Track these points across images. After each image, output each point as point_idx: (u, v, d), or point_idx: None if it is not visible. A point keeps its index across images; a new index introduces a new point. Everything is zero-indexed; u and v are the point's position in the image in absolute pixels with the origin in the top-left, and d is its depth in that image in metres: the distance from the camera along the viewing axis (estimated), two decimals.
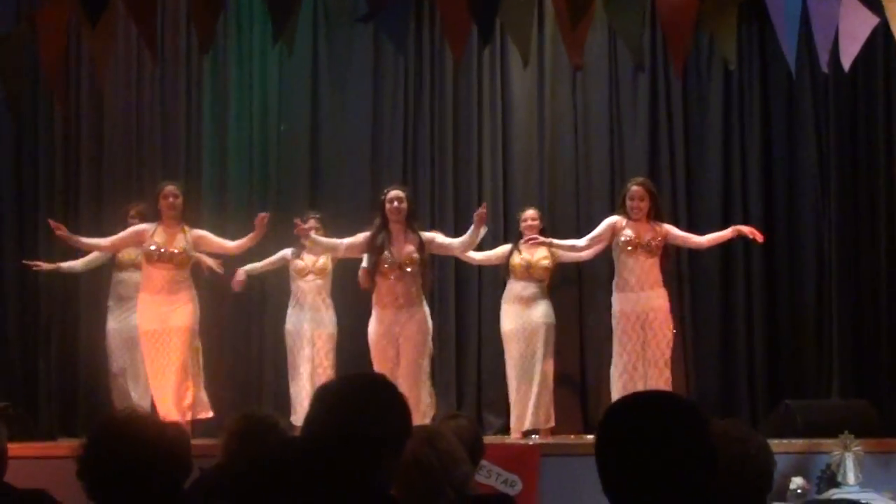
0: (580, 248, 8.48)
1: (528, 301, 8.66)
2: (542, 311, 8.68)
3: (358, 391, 2.69)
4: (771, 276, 9.64)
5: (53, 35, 4.98)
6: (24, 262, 8.82)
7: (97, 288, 9.27)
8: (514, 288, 8.73)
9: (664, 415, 2.31)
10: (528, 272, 8.69)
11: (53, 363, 9.47)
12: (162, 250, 8.10)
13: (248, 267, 8.86)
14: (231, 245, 8.35)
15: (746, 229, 8.39)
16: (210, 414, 8.29)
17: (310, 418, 2.67)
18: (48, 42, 4.97)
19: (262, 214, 8.21)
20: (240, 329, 9.67)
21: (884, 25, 7.28)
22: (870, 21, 6.84)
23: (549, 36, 9.61)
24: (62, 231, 8.10)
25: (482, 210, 7.94)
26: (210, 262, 8.73)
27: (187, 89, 9.85)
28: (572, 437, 8.88)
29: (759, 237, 8.39)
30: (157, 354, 8.11)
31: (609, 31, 9.30)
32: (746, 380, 9.55)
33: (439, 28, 9.27)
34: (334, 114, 9.92)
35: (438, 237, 8.15)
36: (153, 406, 8.18)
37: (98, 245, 8.38)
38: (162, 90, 9.84)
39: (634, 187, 8.33)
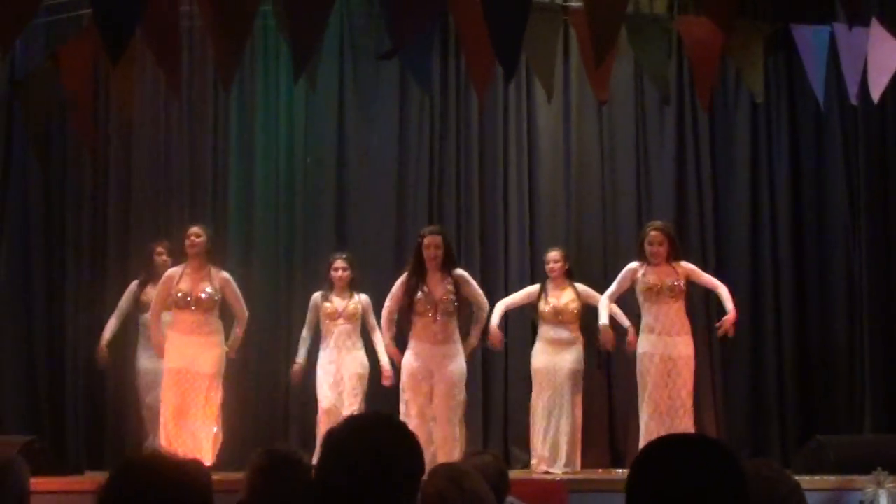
0: (606, 304, 8.35)
1: (560, 344, 8.58)
2: (572, 357, 8.57)
3: (366, 433, 2.65)
4: (801, 311, 9.57)
5: (78, 72, 5.00)
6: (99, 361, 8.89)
7: (124, 331, 9.26)
8: (547, 331, 8.65)
9: (700, 458, 2.28)
10: (558, 318, 8.60)
11: (80, 397, 9.47)
12: (188, 298, 8.10)
13: (301, 356, 8.74)
14: (240, 314, 8.36)
15: (730, 320, 8.22)
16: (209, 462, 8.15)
17: (320, 463, 2.64)
18: (72, 79, 4.99)
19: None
20: (268, 365, 9.63)
21: None
22: None
23: (575, 69, 9.59)
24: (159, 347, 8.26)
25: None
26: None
27: (214, 125, 9.89)
28: (600, 471, 8.82)
29: (723, 331, 8.29)
30: (177, 393, 8.09)
31: (635, 65, 9.26)
32: (777, 416, 9.47)
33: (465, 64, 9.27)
34: (360, 149, 9.93)
35: (471, 283, 8.03)
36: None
37: (160, 322, 8.31)
38: (190, 126, 9.89)
39: (653, 232, 8.20)
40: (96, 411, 9.58)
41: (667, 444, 2.37)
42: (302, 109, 9.88)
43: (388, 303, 7.99)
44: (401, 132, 9.92)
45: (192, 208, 9.65)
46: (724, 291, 8.34)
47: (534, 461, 8.61)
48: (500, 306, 8.66)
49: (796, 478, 3.30)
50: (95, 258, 9.45)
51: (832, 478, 7.64)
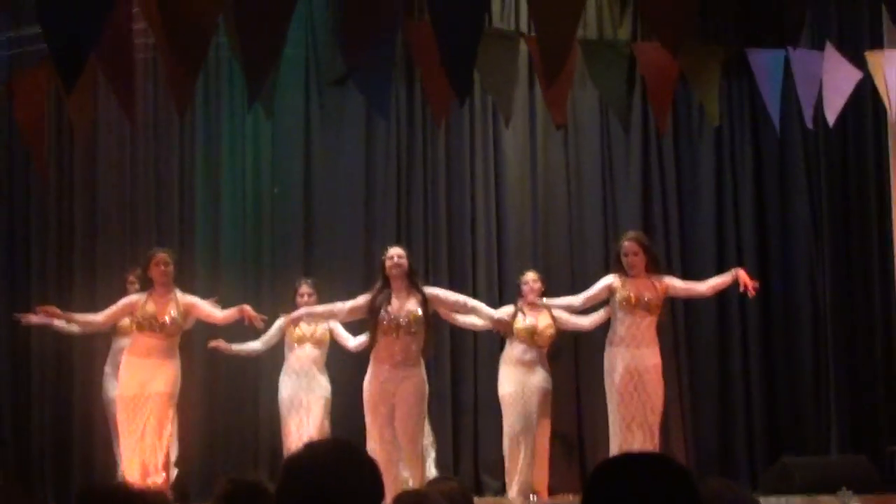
0: (576, 306, 8.34)
1: (528, 365, 8.55)
2: (540, 377, 8.56)
3: (324, 458, 2.64)
4: (767, 332, 9.63)
5: (31, 101, 5.02)
6: (15, 315, 8.58)
7: (91, 352, 9.24)
8: (514, 351, 8.61)
9: (653, 477, 2.27)
10: (532, 338, 8.56)
11: (47, 430, 9.41)
12: (153, 321, 8.01)
13: (248, 348, 8.77)
14: (219, 315, 8.22)
15: (744, 275, 8.15)
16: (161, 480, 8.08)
17: (280, 489, 2.63)
18: (25, 108, 5.00)
19: (248, 313, 8.04)
20: (234, 393, 9.62)
21: (869, 78, 7.35)
22: (853, 76, 6.91)
23: (539, 94, 9.64)
24: (54, 312, 8.09)
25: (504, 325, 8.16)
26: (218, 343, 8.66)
27: (180, 152, 9.90)
28: (570, 497, 8.81)
29: (752, 290, 8.14)
30: (131, 419, 7.96)
31: None
32: (745, 437, 9.50)
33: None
34: (327, 175, 9.95)
35: (442, 293, 7.97)
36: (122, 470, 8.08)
37: (93, 322, 8.27)
38: (156, 152, 9.89)
39: (626, 242, 8.15)
40: (63, 441, 9.52)
41: (620, 463, 2.38)
42: (268, 138, 9.89)
43: (344, 303, 7.91)
44: (367, 160, 9.94)
45: (158, 234, 9.64)
46: (709, 282, 8.29)
47: (510, 486, 8.54)
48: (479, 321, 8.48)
49: (762, 499, 3.29)
50: (62, 286, 9.42)
51: (798, 498, 7.70)
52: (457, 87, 4.71)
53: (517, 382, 8.54)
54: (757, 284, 8.15)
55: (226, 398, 9.59)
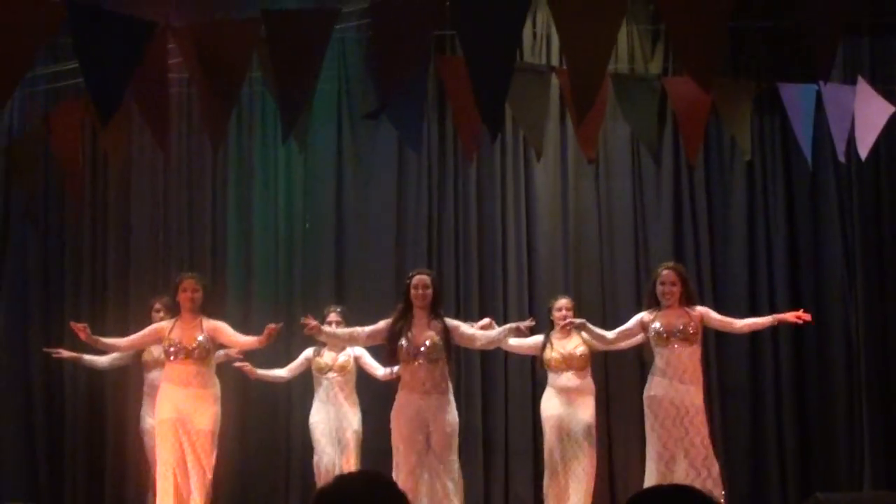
0: (609, 340, 8.21)
1: (570, 393, 8.45)
2: (586, 411, 8.43)
3: (355, 491, 2.66)
4: (799, 368, 9.57)
5: (67, 134, 5.08)
6: (46, 349, 8.71)
7: (124, 387, 9.28)
8: (556, 379, 8.51)
9: None
10: (567, 363, 8.47)
11: (79, 458, 9.46)
12: (180, 346, 7.93)
13: (273, 374, 8.85)
14: (243, 340, 8.15)
15: (790, 316, 8.09)
16: None
17: None
18: (62, 141, 5.07)
19: (272, 327, 7.89)
20: (267, 423, 9.66)
21: None
22: (885, 109, 6.88)
23: (571, 128, 9.66)
24: (84, 332, 8.12)
25: (529, 323, 7.87)
26: (233, 354, 8.62)
27: (213, 186, 9.98)
28: None
29: (805, 318, 8.05)
30: (171, 445, 7.84)
31: None
32: (778, 473, 9.44)
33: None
34: (358, 208, 10.00)
35: (462, 326, 7.81)
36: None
37: (117, 346, 8.24)
38: (188, 186, 9.98)
39: (665, 271, 8.01)
40: (95, 471, 9.58)
41: (653, 495, 2.38)
42: (300, 172, 9.96)
43: (364, 328, 7.82)
44: (399, 194, 9.98)
45: (191, 267, 9.67)
46: (746, 321, 8.17)
47: None
48: (513, 342, 8.47)
49: None
50: (95, 315, 9.48)
51: None
52: (488, 122, 4.73)
53: (559, 409, 8.43)
54: (804, 314, 8.09)
55: (257, 427, 9.62)
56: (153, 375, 8.67)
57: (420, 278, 7.68)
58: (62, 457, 9.60)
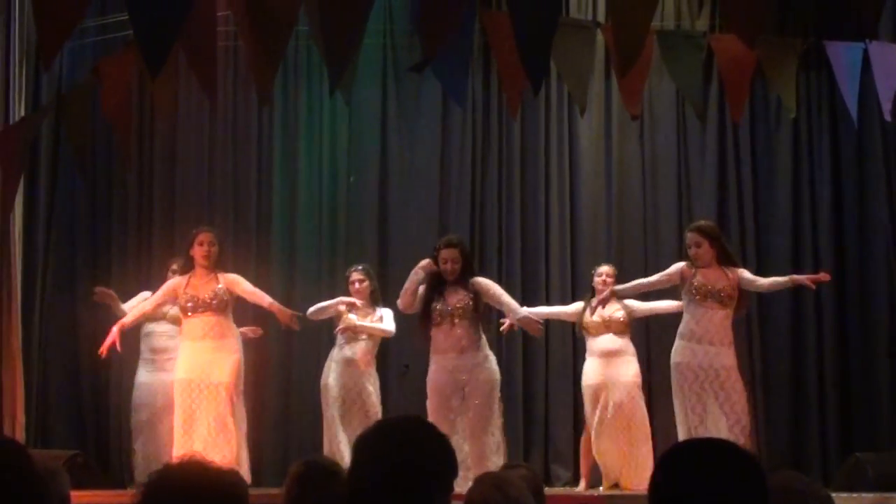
0: (645, 284, 8.07)
1: (611, 355, 8.37)
2: (628, 371, 8.37)
3: (396, 434, 2.66)
4: (842, 328, 9.52)
5: (117, 86, 5.14)
6: (97, 288, 8.44)
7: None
8: (596, 343, 8.42)
9: (720, 463, 2.30)
10: (606, 326, 8.40)
11: (123, 411, 9.55)
12: (197, 299, 7.67)
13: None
14: (266, 301, 7.81)
15: (805, 279, 8.04)
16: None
17: (353, 468, 2.64)
18: (112, 93, 5.13)
19: (293, 318, 7.71)
20: (309, 380, 9.67)
21: None
22: None
23: (615, 85, 9.61)
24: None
25: (539, 328, 7.83)
26: (247, 330, 8.40)
27: (258, 143, 10.03)
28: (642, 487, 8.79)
29: (822, 279, 8.02)
30: (190, 406, 7.58)
31: None
32: (818, 433, 9.41)
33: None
34: (402, 164, 10.04)
35: (493, 288, 7.72)
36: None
37: (144, 314, 8.06)
38: (234, 143, 10.04)
39: (688, 234, 7.92)
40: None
41: (690, 448, 2.40)
42: (345, 127, 10.01)
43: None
44: (443, 149, 10.01)
45: (235, 223, 9.79)
46: (768, 280, 8.00)
47: (605, 479, 8.43)
48: (538, 309, 8.41)
49: (834, 495, 3.26)
50: (140, 273, 9.57)
51: (871, 495, 7.60)
52: (532, 76, 4.75)
53: (600, 374, 8.36)
54: (823, 275, 8.05)
55: (298, 381, 9.67)
56: (152, 327, 8.55)
57: (448, 252, 7.58)
58: (108, 412, 9.70)
